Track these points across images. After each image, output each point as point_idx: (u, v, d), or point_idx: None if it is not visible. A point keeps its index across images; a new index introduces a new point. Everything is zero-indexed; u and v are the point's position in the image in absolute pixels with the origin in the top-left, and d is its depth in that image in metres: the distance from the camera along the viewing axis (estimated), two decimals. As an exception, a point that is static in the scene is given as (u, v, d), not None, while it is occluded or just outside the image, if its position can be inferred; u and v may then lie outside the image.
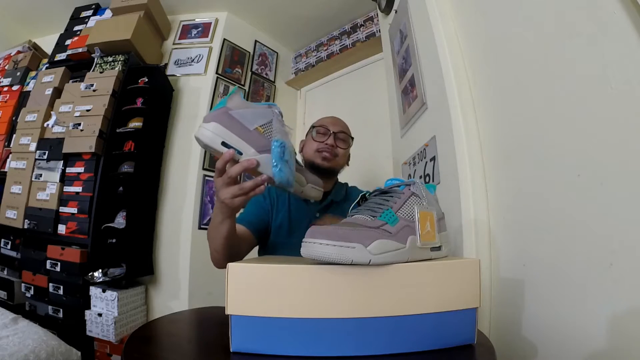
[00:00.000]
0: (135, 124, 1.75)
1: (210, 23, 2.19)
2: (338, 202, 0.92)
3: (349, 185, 1.03)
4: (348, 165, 0.99)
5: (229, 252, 0.67)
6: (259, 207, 0.88)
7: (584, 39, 0.48)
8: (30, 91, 1.98)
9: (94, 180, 1.62)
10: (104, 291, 1.54)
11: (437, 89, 0.88)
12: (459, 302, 0.42)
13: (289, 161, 0.53)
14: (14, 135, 1.85)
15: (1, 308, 1.31)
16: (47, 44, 2.26)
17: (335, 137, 0.91)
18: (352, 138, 0.96)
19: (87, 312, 1.55)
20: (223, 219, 0.61)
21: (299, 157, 0.99)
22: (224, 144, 0.50)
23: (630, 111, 0.41)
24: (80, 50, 1.94)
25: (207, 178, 1.97)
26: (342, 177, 1.01)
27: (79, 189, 1.62)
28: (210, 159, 1.99)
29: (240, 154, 0.51)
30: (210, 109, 2.02)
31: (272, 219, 0.88)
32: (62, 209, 1.63)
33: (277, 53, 2.52)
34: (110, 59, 1.87)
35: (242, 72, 2.24)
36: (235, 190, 0.54)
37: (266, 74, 2.42)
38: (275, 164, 0.51)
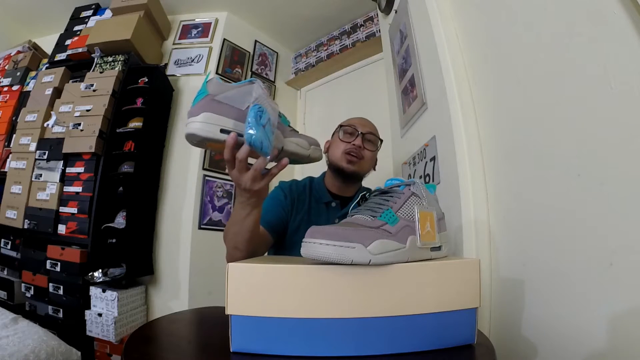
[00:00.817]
0: (135, 124, 1.75)
1: (210, 23, 2.19)
2: None
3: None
4: (374, 170, 0.96)
5: (252, 248, 0.64)
6: (278, 206, 0.85)
7: (584, 39, 0.48)
8: (30, 91, 1.98)
9: (94, 180, 1.62)
10: (104, 291, 1.54)
11: (437, 89, 0.88)
12: (459, 302, 0.42)
13: (265, 126, 0.48)
14: (14, 135, 1.85)
15: (1, 308, 1.31)
16: (47, 44, 2.26)
17: (363, 138, 0.88)
18: (381, 140, 0.93)
19: (87, 312, 1.55)
20: (250, 211, 0.58)
21: (323, 158, 0.97)
22: (222, 130, 0.47)
23: (630, 111, 0.41)
24: (80, 50, 1.94)
25: (207, 178, 1.97)
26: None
27: (79, 189, 1.62)
28: (211, 159, 1.99)
29: (241, 135, 0.48)
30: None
31: (291, 219, 0.86)
32: (62, 209, 1.63)
33: (277, 53, 2.52)
34: (110, 59, 1.88)
35: (242, 72, 2.24)
36: (253, 173, 0.51)
37: (266, 74, 2.42)
38: (249, 125, 0.46)
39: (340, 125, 0.92)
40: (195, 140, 0.48)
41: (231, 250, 0.66)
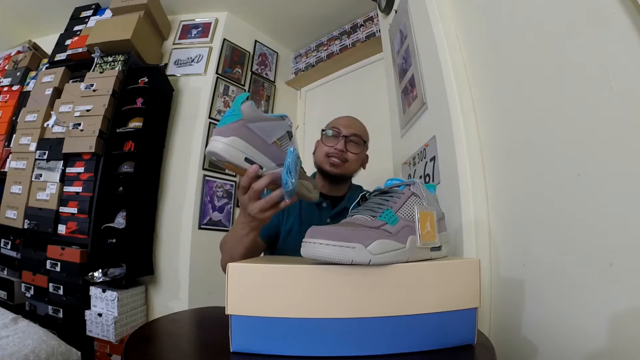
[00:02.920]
0: (135, 124, 1.75)
1: (210, 23, 2.19)
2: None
3: (363, 189, 1.00)
4: (364, 168, 0.96)
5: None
6: None
7: (584, 39, 0.48)
8: (30, 91, 1.98)
9: (94, 180, 1.62)
10: (104, 291, 1.54)
11: (437, 89, 0.88)
12: (459, 302, 0.42)
13: (298, 172, 0.51)
14: (14, 135, 1.85)
15: (1, 308, 1.31)
16: (47, 44, 2.26)
17: (346, 140, 0.87)
18: (365, 141, 0.91)
19: (87, 312, 1.55)
20: (249, 232, 0.60)
21: (311, 159, 0.97)
22: (246, 159, 0.48)
23: (630, 111, 0.41)
24: (80, 50, 1.94)
25: (207, 178, 1.97)
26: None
27: (79, 189, 1.62)
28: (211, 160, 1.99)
29: (261, 168, 0.50)
30: (211, 108, 2.02)
31: (282, 223, 0.86)
32: (62, 209, 1.62)
33: (277, 53, 2.52)
34: (110, 59, 1.87)
35: (242, 72, 2.24)
36: (263, 204, 0.54)
37: (266, 74, 2.42)
38: (289, 172, 0.48)
39: (324, 129, 0.92)
40: (213, 157, 0.48)
41: (227, 259, 0.67)
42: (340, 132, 0.88)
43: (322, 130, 0.92)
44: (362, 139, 0.90)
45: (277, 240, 0.86)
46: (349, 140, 0.88)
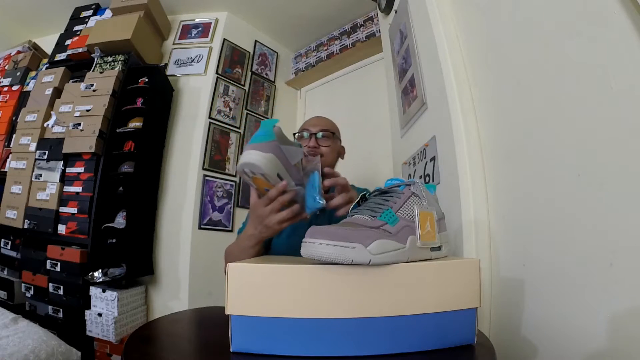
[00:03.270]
0: (135, 124, 1.75)
1: (210, 23, 2.19)
2: None
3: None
4: (343, 158, 1.00)
5: None
6: None
7: (584, 39, 0.48)
8: (30, 91, 1.98)
9: (94, 180, 1.62)
10: (104, 291, 1.54)
11: (437, 89, 0.88)
12: (459, 302, 0.42)
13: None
14: (14, 135, 1.85)
15: (1, 308, 1.31)
16: (47, 44, 2.26)
17: (316, 137, 0.92)
18: (334, 133, 0.96)
19: (87, 312, 1.55)
20: (256, 244, 0.64)
21: None
22: (278, 175, 0.56)
23: (630, 111, 0.41)
24: (80, 50, 1.94)
25: (207, 178, 1.97)
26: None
27: (79, 189, 1.62)
28: (211, 160, 1.99)
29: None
30: (211, 108, 2.02)
31: None
32: (62, 209, 1.63)
33: (277, 53, 2.52)
34: (110, 59, 1.87)
35: (242, 72, 2.24)
36: (284, 215, 0.59)
37: (266, 74, 2.42)
38: (318, 192, 0.56)
39: (295, 132, 0.97)
40: (250, 168, 0.54)
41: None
42: (310, 131, 0.93)
43: (294, 134, 0.96)
44: (330, 132, 0.94)
45: (271, 239, 0.88)
46: (318, 136, 0.93)
